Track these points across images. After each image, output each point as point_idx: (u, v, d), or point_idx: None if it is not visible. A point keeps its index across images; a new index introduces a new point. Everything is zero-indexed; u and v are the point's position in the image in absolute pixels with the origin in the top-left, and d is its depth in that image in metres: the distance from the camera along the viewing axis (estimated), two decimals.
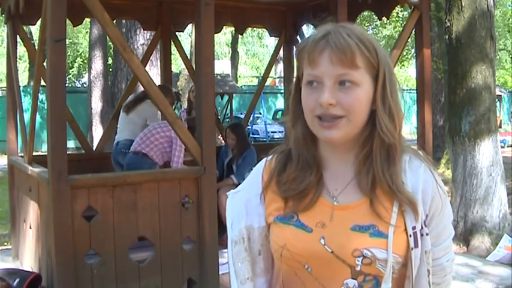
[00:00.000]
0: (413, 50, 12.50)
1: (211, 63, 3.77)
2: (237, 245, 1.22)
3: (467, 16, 5.58)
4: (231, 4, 5.46)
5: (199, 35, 3.74)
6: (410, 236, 1.11)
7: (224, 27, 6.32)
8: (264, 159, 1.28)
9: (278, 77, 25.67)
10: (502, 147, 10.69)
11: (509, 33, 23.83)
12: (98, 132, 11.88)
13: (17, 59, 5.15)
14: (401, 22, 13.92)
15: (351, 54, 1.07)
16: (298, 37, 6.20)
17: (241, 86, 25.49)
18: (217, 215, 3.83)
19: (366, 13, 10.72)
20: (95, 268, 3.38)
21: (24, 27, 5.20)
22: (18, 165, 4.49)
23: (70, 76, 27.56)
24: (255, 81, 30.04)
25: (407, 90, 23.86)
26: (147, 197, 3.55)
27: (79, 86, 27.72)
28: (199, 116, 3.77)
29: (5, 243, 6.03)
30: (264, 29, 6.58)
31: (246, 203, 1.24)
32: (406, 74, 30.99)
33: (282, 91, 19.05)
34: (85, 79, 26.12)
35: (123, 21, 9.15)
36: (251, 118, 14.35)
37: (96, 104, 12.58)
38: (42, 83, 4.22)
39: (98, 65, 12.78)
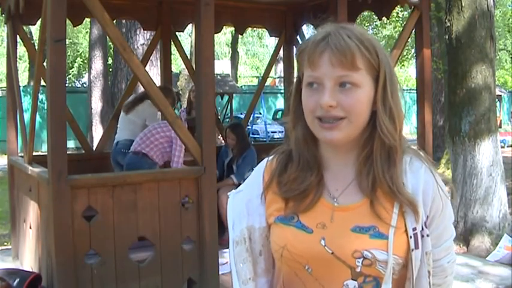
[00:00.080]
0: (413, 50, 12.51)
1: (211, 63, 3.77)
2: (239, 245, 1.22)
3: (467, 16, 5.58)
4: (231, 4, 5.46)
5: (199, 35, 3.74)
6: (411, 237, 1.11)
7: (224, 27, 6.32)
8: (265, 159, 1.28)
9: (278, 77, 25.67)
10: (502, 147, 10.69)
11: (509, 33, 23.83)
12: (98, 132, 11.88)
13: (17, 59, 5.15)
14: (401, 22, 13.92)
15: (351, 56, 1.07)
16: (298, 37, 6.20)
17: (241, 86, 25.50)
18: (217, 215, 3.83)
19: (366, 13, 10.72)
20: (95, 268, 3.38)
21: (24, 27, 5.20)
22: (18, 165, 4.49)
23: (70, 76, 27.56)
24: (255, 81, 30.04)
25: (407, 90, 23.86)
26: (147, 197, 3.55)
27: (79, 86, 27.72)
28: (199, 116, 3.77)
29: (5, 243, 6.03)
30: (264, 29, 6.58)
31: (247, 203, 1.24)
32: (406, 74, 31.00)
33: (282, 91, 19.06)
34: (85, 79, 26.12)
35: (123, 21, 9.14)
36: (251, 118, 14.35)
37: (96, 104, 12.58)
38: (42, 83, 4.22)
39: (98, 65, 12.78)
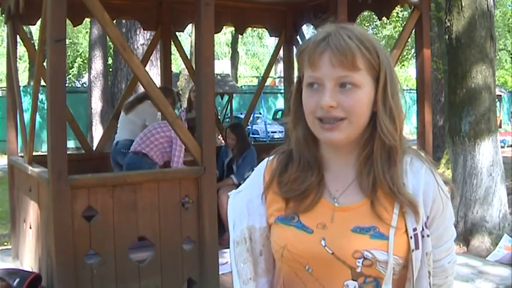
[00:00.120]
0: (413, 50, 12.50)
1: (211, 63, 3.77)
2: (239, 245, 1.22)
3: (467, 16, 5.58)
4: (231, 4, 5.46)
5: (199, 35, 3.74)
6: (411, 237, 1.11)
7: (224, 27, 6.32)
8: (266, 159, 1.28)
9: (278, 77, 25.67)
10: (502, 147, 10.69)
11: (509, 33, 23.84)
12: (98, 132, 11.88)
13: (17, 59, 5.15)
14: (401, 22, 13.92)
15: (351, 57, 1.07)
16: (298, 37, 6.20)
17: (241, 86, 25.50)
18: (217, 215, 3.83)
19: (366, 13, 10.72)
20: (95, 268, 3.37)
21: (24, 27, 5.19)
22: (18, 165, 4.49)
23: (70, 76, 27.56)
24: (255, 81, 30.04)
25: (407, 90, 23.87)
26: (147, 197, 3.55)
27: (79, 86, 27.72)
28: (199, 116, 3.77)
29: (5, 243, 6.03)
30: (264, 29, 6.58)
31: (247, 203, 1.24)
32: (406, 74, 31.00)
33: (282, 91, 19.05)
34: (85, 79, 26.12)
35: (123, 21, 9.14)
36: (251, 118, 14.35)
37: (96, 104, 12.58)
38: (42, 83, 4.22)
39: (98, 65, 12.78)
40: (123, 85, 10.24)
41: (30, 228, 4.08)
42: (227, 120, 17.09)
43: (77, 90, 19.91)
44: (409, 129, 22.18)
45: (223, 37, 35.38)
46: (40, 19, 3.93)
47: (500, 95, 24.21)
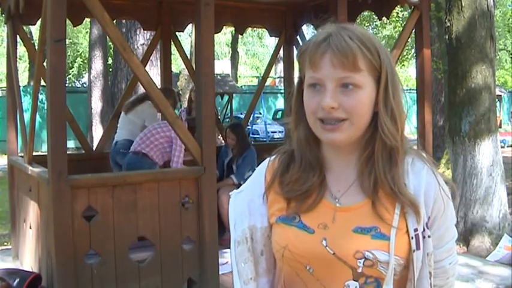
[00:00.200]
0: (413, 50, 12.51)
1: (211, 63, 3.77)
2: (240, 245, 1.22)
3: (467, 16, 5.58)
4: (231, 4, 5.46)
5: (199, 35, 3.74)
6: (412, 238, 1.11)
7: (224, 27, 6.32)
8: (267, 159, 1.27)
9: (278, 77, 25.68)
10: (502, 147, 10.69)
11: (509, 33, 23.84)
12: (98, 132, 11.88)
13: (17, 59, 5.15)
14: (401, 22, 13.92)
15: (352, 57, 1.07)
16: (298, 37, 6.20)
17: (241, 86, 25.50)
18: (217, 215, 3.83)
19: (366, 13, 10.71)
20: (95, 268, 3.37)
21: (24, 27, 5.19)
22: (18, 165, 4.49)
23: (70, 76, 27.56)
24: (255, 81, 30.05)
25: (407, 90, 23.86)
26: (147, 197, 3.55)
27: (79, 86, 27.72)
28: (199, 116, 3.77)
29: (5, 243, 6.03)
30: (264, 29, 6.58)
31: (249, 203, 1.24)
32: (406, 74, 30.98)
33: (282, 91, 19.06)
34: (85, 79, 26.12)
35: (123, 21, 9.14)
36: (251, 118, 14.35)
37: (96, 104, 12.57)
38: (42, 83, 4.21)
39: (98, 65, 12.78)
40: (123, 85, 10.24)
41: (30, 228, 4.08)
42: (227, 120, 17.09)
43: (77, 90, 19.91)
44: (409, 129, 22.19)
45: (223, 37, 35.38)
46: (40, 19, 3.93)
47: (500, 95, 24.22)
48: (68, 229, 3.25)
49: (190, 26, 6.18)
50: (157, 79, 6.96)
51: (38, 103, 5.21)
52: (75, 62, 27.61)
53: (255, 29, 13.19)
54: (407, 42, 5.47)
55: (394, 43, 5.31)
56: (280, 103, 24.33)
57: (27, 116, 4.91)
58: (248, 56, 43.76)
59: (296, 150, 1.20)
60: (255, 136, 19.17)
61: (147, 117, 5.15)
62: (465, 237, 5.51)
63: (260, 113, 20.27)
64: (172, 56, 6.36)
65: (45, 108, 3.70)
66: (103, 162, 5.06)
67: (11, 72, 4.81)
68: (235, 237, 1.23)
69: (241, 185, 1.32)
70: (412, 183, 1.13)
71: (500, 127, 19.64)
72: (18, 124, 4.73)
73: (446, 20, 5.82)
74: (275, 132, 19.18)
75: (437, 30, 10.32)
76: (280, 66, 23.97)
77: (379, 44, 1.12)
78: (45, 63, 3.67)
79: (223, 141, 6.22)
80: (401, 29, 6.79)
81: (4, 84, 9.53)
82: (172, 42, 5.69)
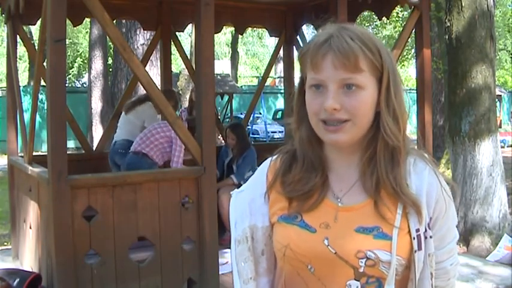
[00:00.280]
0: (413, 50, 12.50)
1: (211, 63, 3.77)
2: (241, 244, 1.22)
3: (467, 16, 5.58)
4: (231, 4, 5.46)
5: (199, 35, 3.74)
6: (414, 238, 1.11)
7: (224, 27, 6.32)
8: (269, 158, 1.27)
9: (278, 77, 25.67)
10: (502, 147, 10.69)
11: (509, 33, 23.83)
12: (98, 132, 11.88)
13: (17, 59, 5.15)
14: (401, 22, 13.92)
15: (354, 58, 1.06)
16: (298, 37, 6.20)
17: (241, 86, 25.49)
18: (217, 215, 3.83)
19: (366, 13, 10.72)
20: (95, 268, 3.37)
21: (24, 27, 5.19)
22: (18, 165, 4.49)
23: (70, 76, 27.55)
24: (255, 81, 30.04)
25: (407, 90, 23.80)
26: (147, 197, 3.55)
27: (79, 86, 27.71)
28: (199, 116, 3.77)
29: (5, 243, 6.03)
30: (264, 29, 6.58)
31: (250, 202, 1.23)
32: (406, 74, 30.98)
33: (282, 91, 19.03)
34: (85, 79, 26.12)
35: (123, 21, 9.14)
36: (251, 118, 14.35)
37: (96, 104, 12.58)
38: (42, 83, 4.21)
39: (98, 65, 12.78)
40: (123, 85, 10.24)
41: (30, 228, 4.08)
42: (227, 120, 17.09)
43: (77, 90, 19.91)
44: (409, 129, 22.12)
45: (223, 37, 35.38)
46: (40, 19, 3.93)
47: (500, 95, 24.22)
48: (68, 229, 3.25)
49: (190, 26, 6.17)
50: (157, 79, 6.95)
51: (38, 103, 5.21)
52: (75, 62, 27.60)
53: (255, 29, 13.19)
54: (407, 42, 5.47)
55: (394, 43, 5.30)
56: (280, 103, 24.33)
57: (27, 116, 4.91)
58: (248, 56, 43.76)
59: (298, 150, 1.20)
60: (255, 136, 19.17)
61: (146, 118, 5.15)
62: (465, 237, 5.51)
63: (260, 113, 20.28)
64: (172, 56, 6.36)
65: (45, 108, 3.70)
66: (103, 162, 5.06)
67: (11, 72, 4.81)
68: (236, 236, 1.23)
69: (241, 185, 1.32)
70: (414, 184, 1.13)
71: (500, 127, 19.64)
72: (18, 124, 4.73)
73: (446, 20, 5.82)
74: (275, 132, 19.18)
75: (437, 30, 10.31)
76: (280, 66, 23.97)
77: (380, 44, 1.12)
78: (45, 63, 3.67)
79: (223, 141, 6.22)
80: (401, 29, 6.79)
81: (4, 84, 9.53)
82: (172, 42, 5.69)
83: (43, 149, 15.41)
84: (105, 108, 12.40)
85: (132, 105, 5.21)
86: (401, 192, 1.11)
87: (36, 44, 5.38)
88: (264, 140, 18.51)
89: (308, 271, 1.13)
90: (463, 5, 5.59)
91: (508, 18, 20.86)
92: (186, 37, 25.08)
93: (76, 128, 5.15)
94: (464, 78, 5.63)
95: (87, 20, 10.14)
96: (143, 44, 9.22)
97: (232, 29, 8.54)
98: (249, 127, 16.71)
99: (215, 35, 4.24)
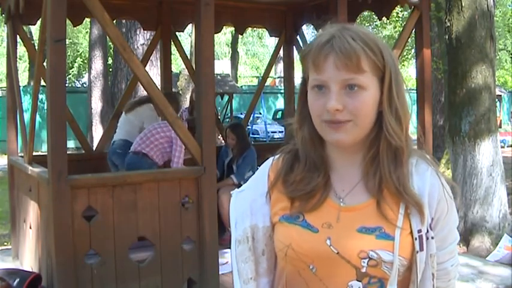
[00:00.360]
0: (413, 50, 12.50)
1: (211, 63, 3.77)
2: (241, 244, 1.21)
3: (467, 16, 5.58)
4: (231, 4, 5.46)
5: (199, 35, 3.74)
6: (416, 239, 1.11)
7: (224, 27, 6.32)
8: (271, 158, 1.27)
9: (278, 77, 25.68)
10: (502, 147, 10.70)
11: (509, 33, 23.83)
12: (98, 132, 11.88)
13: (17, 59, 5.15)
14: (401, 22, 13.91)
15: (356, 59, 1.06)
16: (298, 37, 6.20)
17: (241, 86, 25.49)
18: (217, 215, 3.83)
19: (366, 13, 10.71)
20: (95, 268, 3.37)
21: (24, 27, 5.19)
22: (18, 165, 4.49)
23: (70, 76, 27.55)
24: (255, 81, 30.05)
25: (407, 90, 23.84)
26: (147, 197, 3.55)
27: (79, 86, 27.71)
28: (199, 116, 3.77)
29: (5, 243, 6.03)
30: (264, 29, 6.57)
31: (251, 202, 1.23)
32: (406, 74, 30.98)
33: (282, 91, 19.04)
34: (85, 79, 26.12)
35: (123, 21, 9.14)
36: (251, 118, 14.35)
37: (96, 104, 12.58)
38: (42, 83, 4.21)
39: (98, 65, 12.78)
40: (123, 85, 10.25)
41: (30, 228, 4.08)
42: (227, 120, 17.09)
43: (77, 90, 19.91)
44: (409, 129, 22.16)
45: (223, 37, 35.37)
46: (40, 19, 3.93)
47: (500, 95, 24.22)
48: (68, 229, 3.25)
49: (190, 26, 6.17)
50: (157, 79, 6.95)
51: (38, 103, 5.21)
52: (75, 62, 27.60)
53: (255, 29, 13.19)
54: (407, 42, 5.47)
55: (394, 43, 5.31)
56: (280, 103, 24.33)
57: (27, 116, 4.91)
58: (248, 56, 43.76)
59: (300, 150, 1.20)
60: (255, 136, 19.18)
61: (146, 119, 5.15)
62: (465, 237, 5.51)
63: (260, 113, 20.28)
64: (172, 56, 6.35)
65: (45, 108, 3.70)
66: (103, 162, 5.06)
67: (11, 72, 4.81)
68: (236, 236, 1.22)
69: (241, 185, 1.32)
70: (416, 185, 1.13)
71: (500, 127, 19.63)
72: (18, 124, 4.73)
73: (446, 20, 5.82)
74: (275, 132, 19.17)
75: (437, 30, 10.32)
76: (280, 66, 23.97)
77: (382, 44, 1.12)
78: (45, 63, 3.67)
79: (223, 141, 6.22)
80: (401, 29, 6.78)
81: (4, 84, 9.54)
82: (172, 42, 5.69)
83: (43, 149, 15.41)
84: (105, 108, 12.40)
85: (132, 106, 5.22)
86: (405, 192, 1.11)
87: (36, 44, 5.38)
88: (264, 140, 18.52)
89: (310, 271, 1.13)
90: (463, 5, 5.59)
91: (508, 18, 20.86)
92: (186, 37, 25.07)
93: (76, 128, 5.15)
94: (464, 78, 5.63)
95: (87, 20, 10.14)
96: (143, 44, 9.23)
97: (232, 29, 8.54)
98: (249, 127, 16.71)
99: (215, 35, 4.24)
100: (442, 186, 1.16)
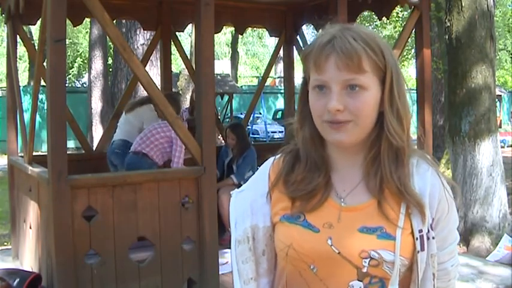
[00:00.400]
0: (413, 50, 12.50)
1: (211, 63, 3.77)
2: (241, 244, 1.21)
3: (467, 16, 5.58)
4: (231, 4, 5.46)
5: (199, 35, 3.74)
6: (417, 239, 1.11)
7: (224, 27, 6.32)
8: (272, 158, 1.27)
9: (278, 77, 25.67)
10: (502, 147, 10.70)
11: (509, 33, 23.83)
12: (98, 132, 11.88)
13: (17, 59, 5.15)
14: (401, 22, 13.91)
15: (357, 59, 1.06)
16: (298, 37, 6.20)
17: (241, 86, 25.49)
18: (217, 215, 3.83)
19: (366, 13, 10.71)
20: (95, 268, 3.37)
21: (24, 27, 5.19)
22: (18, 165, 4.49)
23: (70, 76, 27.55)
24: (255, 81, 30.05)
25: (407, 90, 23.84)
26: (147, 197, 3.55)
27: (79, 86, 27.71)
28: (199, 116, 3.77)
29: (5, 243, 6.03)
30: (264, 29, 6.58)
31: (251, 202, 1.23)
32: (406, 74, 30.99)
33: (282, 91, 19.04)
34: (85, 79, 26.11)
35: (123, 21, 9.14)
36: (251, 118, 14.35)
37: (96, 104, 12.58)
38: (42, 83, 4.21)
39: (98, 65, 12.78)
40: (123, 85, 10.25)
41: (30, 228, 4.08)
42: (227, 120, 17.09)
43: (77, 90, 19.91)
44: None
45: (223, 37, 35.36)
46: (40, 19, 3.93)
47: (500, 95, 24.22)
48: (68, 229, 3.25)
49: (190, 26, 6.17)
50: (157, 79, 6.95)
51: (38, 103, 5.21)
52: (75, 62, 27.59)
53: (255, 29, 13.19)
54: (407, 42, 5.47)
55: (394, 43, 5.31)
56: (280, 103, 24.33)
57: (27, 116, 4.91)
58: (248, 56, 43.76)
59: (301, 149, 1.20)
60: (255, 136, 19.17)
61: (145, 119, 5.15)
62: (465, 237, 5.51)
63: (260, 113, 20.28)
64: (172, 56, 6.36)
65: (45, 108, 3.70)
66: (103, 162, 5.06)
67: (11, 72, 4.81)
68: (236, 236, 1.22)
69: (241, 185, 1.31)
70: (417, 185, 1.13)
71: (500, 127, 19.64)
72: (18, 124, 4.73)
73: (446, 20, 5.82)
74: (275, 132, 19.17)
75: (437, 30, 10.32)
76: (280, 66, 23.97)
77: (384, 44, 1.11)
78: (45, 63, 3.67)
79: (223, 141, 6.22)
80: (401, 29, 6.78)
81: (4, 84, 9.54)
82: (172, 42, 5.69)
83: (43, 149, 15.41)
84: (105, 108, 12.40)
85: (132, 106, 5.22)
86: (406, 192, 1.11)
87: (36, 44, 5.38)
88: (264, 140, 18.52)
89: (310, 271, 1.13)
90: (463, 5, 5.59)
91: (508, 18, 20.86)
92: (186, 37, 25.07)
93: (76, 128, 5.15)
94: (464, 78, 5.63)
95: (87, 20, 10.14)
96: (143, 44, 9.23)
97: (232, 29, 8.54)
98: (249, 127, 16.71)
99: (215, 35, 4.24)
100: (442, 187, 1.16)
